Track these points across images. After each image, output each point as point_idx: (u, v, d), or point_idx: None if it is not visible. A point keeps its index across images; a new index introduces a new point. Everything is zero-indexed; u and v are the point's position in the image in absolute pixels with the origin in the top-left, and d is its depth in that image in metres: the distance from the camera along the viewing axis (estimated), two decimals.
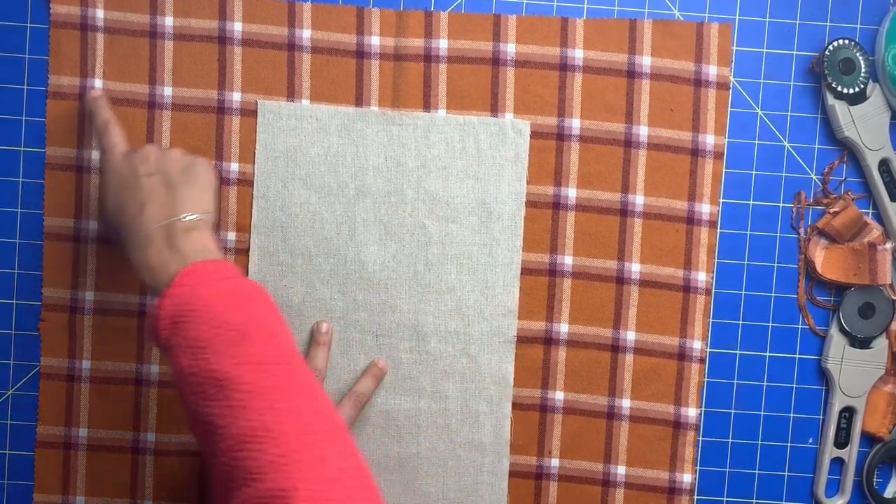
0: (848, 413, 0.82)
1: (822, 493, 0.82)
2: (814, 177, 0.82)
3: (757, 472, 0.82)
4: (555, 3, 0.80)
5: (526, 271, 0.80)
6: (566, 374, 0.81)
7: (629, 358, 0.81)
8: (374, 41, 0.79)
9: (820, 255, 0.81)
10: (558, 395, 0.81)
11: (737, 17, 0.81)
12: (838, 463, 0.82)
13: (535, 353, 0.81)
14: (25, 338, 0.80)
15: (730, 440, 0.82)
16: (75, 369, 0.79)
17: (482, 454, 0.80)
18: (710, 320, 0.81)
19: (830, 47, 0.79)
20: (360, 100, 0.80)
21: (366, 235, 0.80)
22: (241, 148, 0.79)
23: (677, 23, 0.80)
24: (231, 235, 0.80)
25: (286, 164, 0.79)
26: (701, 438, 0.82)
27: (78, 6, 0.78)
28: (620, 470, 0.81)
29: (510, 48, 0.80)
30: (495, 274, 0.80)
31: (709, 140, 0.80)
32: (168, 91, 0.79)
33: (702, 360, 0.81)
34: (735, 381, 0.82)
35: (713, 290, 0.81)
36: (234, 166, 0.79)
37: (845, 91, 0.79)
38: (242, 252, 0.80)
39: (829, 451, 0.82)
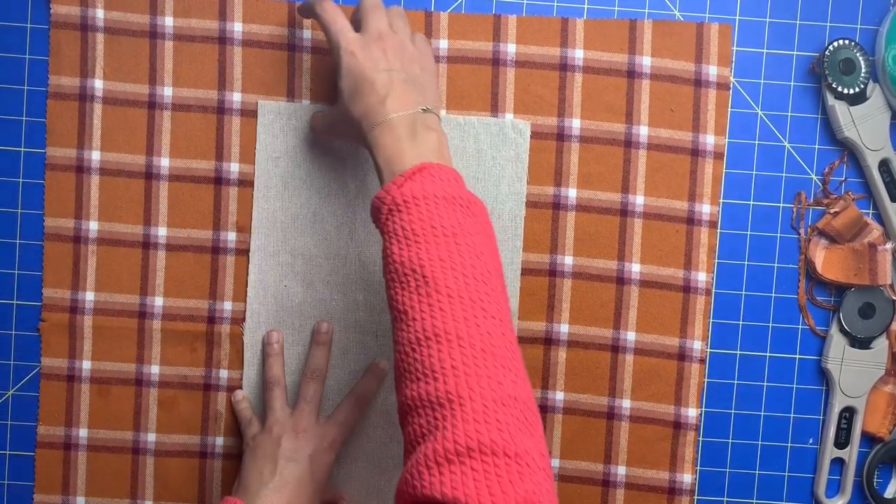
0: (848, 413, 0.82)
1: (822, 493, 0.82)
2: (814, 177, 0.82)
3: (757, 472, 0.82)
4: (555, 3, 0.80)
5: (526, 271, 0.80)
6: (566, 374, 0.81)
7: (629, 358, 0.81)
8: None
9: (820, 255, 0.81)
10: (558, 396, 0.81)
11: (737, 18, 0.81)
12: (838, 463, 0.82)
13: (536, 353, 0.80)
14: (25, 338, 0.80)
15: (730, 440, 0.82)
16: (75, 369, 0.79)
17: None
18: (711, 320, 0.81)
19: (831, 47, 0.79)
20: None
21: (366, 235, 0.80)
22: (242, 148, 0.79)
23: (677, 23, 0.80)
24: (231, 235, 0.80)
25: (286, 164, 0.79)
26: (701, 439, 0.82)
27: (78, 6, 0.78)
28: (621, 470, 0.81)
29: (510, 48, 0.80)
30: None
31: (709, 140, 0.80)
32: (168, 91, 0.79)
33: (702, 361, 0.81)
34: (735, 382, 0.82)
35: (713, 291, 0.81)
36: (234, 166, 0.79)
37: (845, 91, 0.79)
38: (242, 252, 0.80)
39: (830, 452, 0.82)
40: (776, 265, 0.82)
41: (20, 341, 0.80)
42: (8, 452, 0.80)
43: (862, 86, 0.79)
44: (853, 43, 0.79)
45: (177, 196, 0.79)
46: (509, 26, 0.80)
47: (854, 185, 0.82)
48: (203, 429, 0.80)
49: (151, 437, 0.80)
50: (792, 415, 0.82)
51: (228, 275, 0.80)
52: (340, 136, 0.76)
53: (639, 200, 0.80)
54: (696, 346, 0.81)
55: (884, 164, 0.81)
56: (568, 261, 0.80)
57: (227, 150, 0.79)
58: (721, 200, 0.81)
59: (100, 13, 0.78)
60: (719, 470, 0.82)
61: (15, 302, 0.80)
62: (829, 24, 0.81)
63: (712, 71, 0.80)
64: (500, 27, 0.80)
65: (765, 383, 0.82)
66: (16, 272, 0.79)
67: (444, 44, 0.79)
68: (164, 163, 0.79)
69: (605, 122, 0.80)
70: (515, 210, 0.80)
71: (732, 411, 0.82)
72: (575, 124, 0.80)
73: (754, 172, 0.81)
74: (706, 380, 0.82)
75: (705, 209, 0.80)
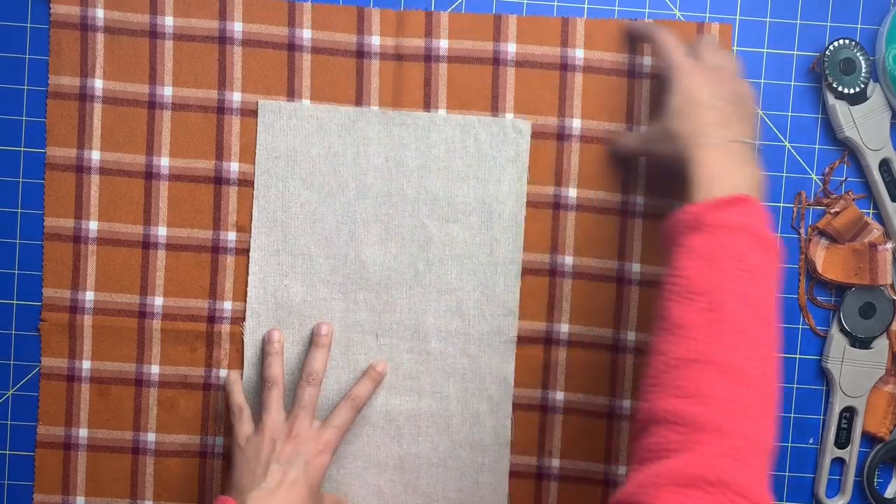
0: (848, 413, 0.81)
1: (822, 493, 0.82)
2: (814, 177, 0.82)
3: None
4: (555, 3, 0.80)
5: (526, 271, 0.80)
6: (567, 374, 0.81)
7: (630, 358, 0.81)
8: (375, 41, 0.79)
9: (820, 255, 0.81)
10: (559, 396, 0.81)
11: (737, 17, 0.81)
12: (839, 463, 0.82)
13: (536, 353, 0.80)
14: (25, 338, 0.80)
15: None
16: (75, 369, 0.79)
17: (482, 454, 0.80)
18: None
19: (831, 47, 0.79)
20: (360, 99, 0.79)
21: (366, 235, 0.80)
22: (242, 148, 0.79)
23: (677, 23, 0.80)
24: (231, 235, 0.80)
25: (286, 163, 0.79)
26: None
27: (78, 6, 0.78)
28: (621, 470, 0.81)
29: (510, 48, 0.80)
30: (496, 274, 0.80)
31: None
32: (168, 91, 0.79)
33: None
34: None
35: None
36: (235, 166, 0.79)
37: (846, 91, 0.79)
38: (242, 252, 0.80)
39: (830, 452, 0.82)
40: None
41: (20, 341, 0.80)
42: (8, 452, 0.80)
43: (862, 86, 0.79)
44: (853, 43, 0.79)
45: (177, 196, 0.79)
46: (510, 26, 0.80)
47: (854, 185, 0.82)
48: (203, 429, 0.80)
49: (151, 437, 0.80)
50: (792, 414, 0.82)
51: (228, 274, 0.80)
52: (650, 150, 0.77)
53: (640, 200, 0.80)
54: None
55: (884, 164, 0.81)
56: (568, 261, 0.80)
57: (227, 150, 0.79)
58: None
59: (100, 13, 0.78)
60: None
61: (15, 302, 0.80)
62: (829, 23, 0.81)
63: None
64: (501, 27, 0.80)
65: None
66: (16, 272, 0.79)
67: (444, 44, 0.79)
68: (164, 162, 0.79)
69: (605, 121, 0.80)
70: (515, 210, 0.80)
71: None
72: (575, 124, 0.80)
73: None
74: None
75: None
